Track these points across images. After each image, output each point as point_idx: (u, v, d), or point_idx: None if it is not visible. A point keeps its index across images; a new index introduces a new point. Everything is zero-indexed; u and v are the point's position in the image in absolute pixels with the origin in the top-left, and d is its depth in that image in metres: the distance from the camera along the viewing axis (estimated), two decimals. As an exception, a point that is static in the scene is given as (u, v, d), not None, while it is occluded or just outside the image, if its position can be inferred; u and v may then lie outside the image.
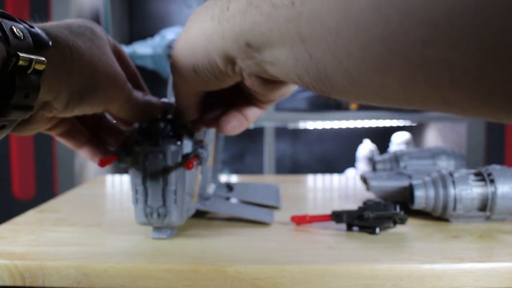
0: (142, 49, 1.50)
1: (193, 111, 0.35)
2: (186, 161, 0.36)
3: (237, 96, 0.34)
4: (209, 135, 0.48)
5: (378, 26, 0.16)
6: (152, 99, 0.39)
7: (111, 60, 0.33)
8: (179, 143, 0.37)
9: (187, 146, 0.38)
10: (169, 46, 1.48)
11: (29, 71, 0.24)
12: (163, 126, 0.38)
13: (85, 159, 1.38)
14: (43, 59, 0.25)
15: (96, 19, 1.49)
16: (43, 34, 0.26)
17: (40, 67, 0.25)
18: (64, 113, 0.30)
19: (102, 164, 0.35)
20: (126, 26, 1.71)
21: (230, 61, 0.27)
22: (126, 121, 0.38)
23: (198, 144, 0.39)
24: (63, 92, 0.28)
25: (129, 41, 1.66)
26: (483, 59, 0.13)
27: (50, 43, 0.26)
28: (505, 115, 0.15)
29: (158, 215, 0.38)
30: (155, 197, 0.38)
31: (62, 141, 0.37)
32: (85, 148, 0.38)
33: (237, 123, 0.35)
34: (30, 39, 0.24)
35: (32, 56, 0.24)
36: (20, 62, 0.23)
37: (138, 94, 0.36)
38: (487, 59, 0.13)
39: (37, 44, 0.25)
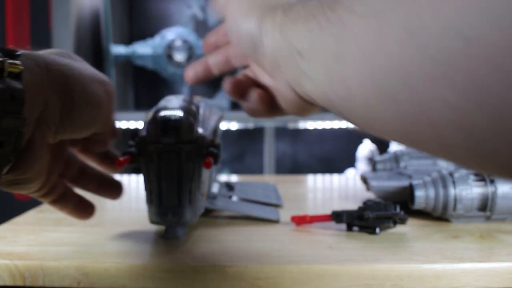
0: (142, 49, 1.50)
1: None
2: (203, 160, 0.36)
3: None
4: (219, 134, 0.48)
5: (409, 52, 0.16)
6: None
7: (94, 69, 0.34)
8: (193, 142, 0.37)
9: (201, 145, 0.38)
10: (169, 46, 1.48)
11: (4, 74, 0.24)
12: (176, 122, 0.38)
13: (85, 159, 1.38)
14: (17, 62, 0.25)
15: (96, 19, 1.49)
16: (11, 48, 0.26)
17: (15, 69, 0.25)
18: (62, 130, 0.30)
19: (119, 164, 0.35)
20: (126, 26, 1.71)
21: (277, 63, 0.28)
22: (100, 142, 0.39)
23: (210, 143, 0.39)
24: (52, 100, 0.28)
25: (129, 41, 1.66)
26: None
27: (19, 52, 0.26)
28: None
29: (173, 214, 0.38)
30: (170, 197, 0.38)
31: (56, 207, 0.37)
32: (75, 211, 0.38)
33: None
34: None
35: (2, 58, 0.24)
36: None
37: None
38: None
39: (5, 53, 0.25)
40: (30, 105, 0.26)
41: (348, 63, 0.20)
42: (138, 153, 0.37)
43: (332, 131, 1.79)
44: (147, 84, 1.77)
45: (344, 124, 1.52)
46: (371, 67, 0.18)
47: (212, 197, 0.49)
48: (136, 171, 0.41)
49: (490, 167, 0.16)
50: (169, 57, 1.48)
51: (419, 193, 0.46)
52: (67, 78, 0.30)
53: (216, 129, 0.45)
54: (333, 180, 0.77)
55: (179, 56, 1.48)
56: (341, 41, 0.20)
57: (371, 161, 0.62)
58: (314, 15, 0.23)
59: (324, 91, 0.23)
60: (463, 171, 0.46)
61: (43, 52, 0.31)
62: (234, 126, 1.59)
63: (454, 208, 0.45)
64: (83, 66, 0.33)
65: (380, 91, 0.18)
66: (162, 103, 0.40)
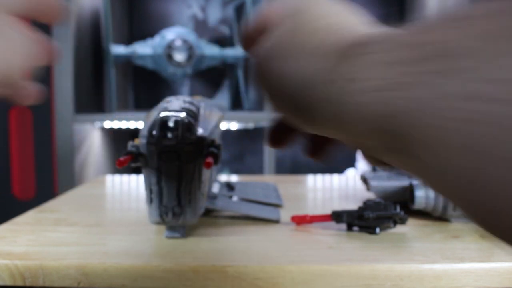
0: (142, 49, 1.50)
1: None
2: (203, 161, 0.36)
3: None
4: (219, 134, 0.48)
5: None
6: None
7: None
8: (193, 143, 0.37)
9: (201, 145, 0.38)
10: (169, 46, 1.48)
11: None
12: (177, 124, 0.37)
13: (85, 159, 1.38)
14: None
15: (96, 19, 1.49)
16: None
17: None
18: None
19: (120, 164, 0.35)
20: (126, 26, 1.71)
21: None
22: None
23: (211, 143, 0.39)
24: None
25: (129, 41, 1.66)
26: None
27: None
28: None
29: (173, 214, 0.39)
30: (170, 197, 0.38)
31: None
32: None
33: None
34: None
35: None
36: None
37: None
38: None
39: None
40: None
41: None
42: (139, 153, 0.37)
43: (332, 131, 1.78)
44: (147, 84, 1.77)
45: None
46: None
47: (212, 197, 0.49)
48: (136, 171, 0.41)
49: None
50: (169, 57, 1.48)
51: (419, 193, 0.46)
52: None
53: (216, 129, 0.45)
54: (333, 180, 0.77)
55: (179, 56, 1.48)
56: None
57: (371, 161, 0.62)
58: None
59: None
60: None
61: None
62: (234, 126, 1.59)
63: (454, 208, 0.45)
64: None
65: None
66: (163, 104, 0.40)
